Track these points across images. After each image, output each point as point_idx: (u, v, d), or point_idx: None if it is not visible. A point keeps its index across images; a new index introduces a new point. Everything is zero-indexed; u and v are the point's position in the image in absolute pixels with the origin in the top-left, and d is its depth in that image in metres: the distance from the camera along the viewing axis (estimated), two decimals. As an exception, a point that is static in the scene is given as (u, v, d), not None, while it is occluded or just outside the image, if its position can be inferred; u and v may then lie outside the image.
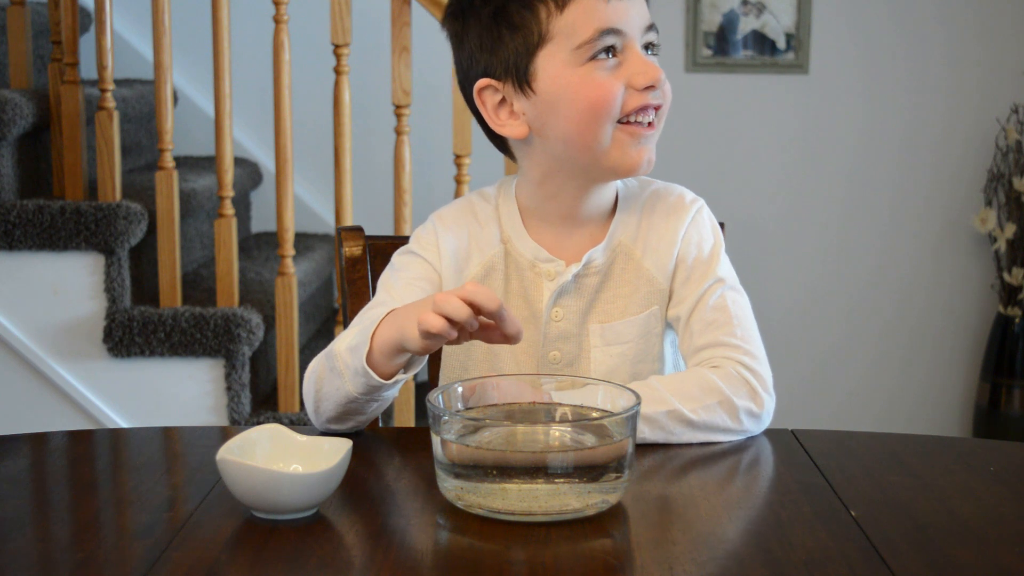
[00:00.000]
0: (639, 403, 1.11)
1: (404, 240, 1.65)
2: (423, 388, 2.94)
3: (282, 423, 1.18)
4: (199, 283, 3.03)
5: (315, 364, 1.32)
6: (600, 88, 1.33)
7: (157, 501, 1.13)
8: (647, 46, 1.37)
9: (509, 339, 1.18)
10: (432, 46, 3.24)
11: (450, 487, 1.10)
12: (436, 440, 1.10)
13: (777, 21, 3.55)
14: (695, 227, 1.43)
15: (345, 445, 1.11)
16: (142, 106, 3.28)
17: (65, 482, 1.23)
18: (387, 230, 3.13)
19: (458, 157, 2.82)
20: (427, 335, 1.16)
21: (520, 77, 1.36)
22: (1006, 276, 3.49)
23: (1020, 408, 3.52)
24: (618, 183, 1.46)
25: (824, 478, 1.19)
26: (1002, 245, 3.49)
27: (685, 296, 1.41)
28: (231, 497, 1.10)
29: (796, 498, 1.15)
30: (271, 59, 2.81)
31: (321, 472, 1.07)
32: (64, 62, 2.84)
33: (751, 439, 1.32)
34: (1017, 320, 3.49)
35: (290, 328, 2.84)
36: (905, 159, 3.62)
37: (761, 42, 3.56)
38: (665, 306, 1.42)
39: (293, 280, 2.84)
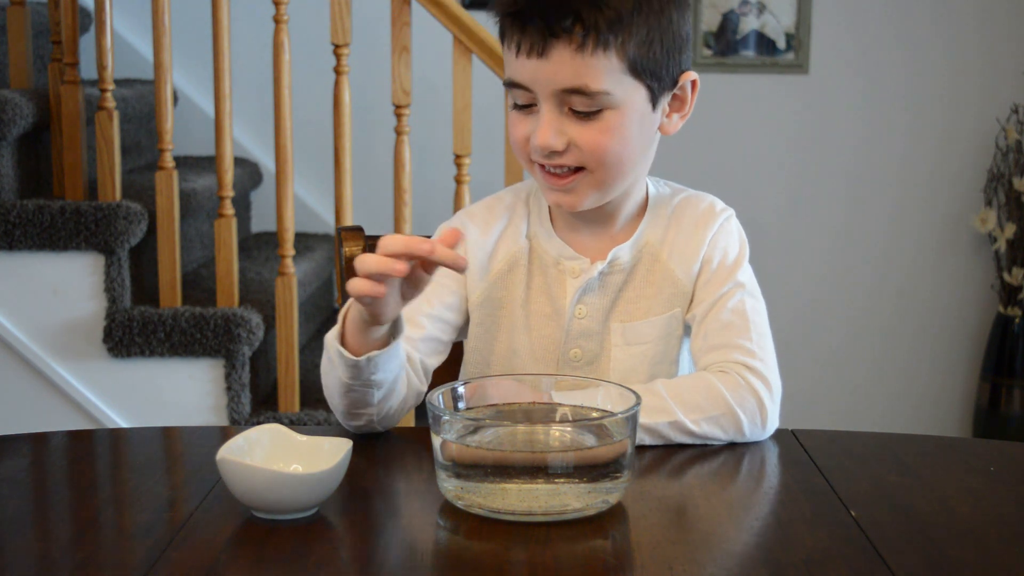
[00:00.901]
0: (639, 403, 1.11)
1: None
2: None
3: (282, 423, 1.18)
4: (199, 283, 3.03)
5: (322, 362, 1.34)
6: (512, 128, 1.37)
7: (157, 501, 1.13)
8: (579, 111, 1.31)
9: (455, 269, 1.16)
10: (432, 46, 3.24)
11: (450, 487, 1.10)
12: (436, 440, 1.10)
13: (777, 21, 3.55)
14: (723, 233, 1.44)
15: (345, 445, 1.11)
16: (142, 106, 3.28)
17: (65, 482, 1.23)
18: (387, 230, 3.13)
19: (458, 157, 2.82)
20: (359, 298, 1.16)
21: None
22: (1006, 276, 3.49)
23: (1020, 408, 3.52)
24: (649, 187, 1.46)
25: (824, 478, 1.19)
26: (1002, 245, 3.49)
27: (704, 297, 1.41)
28: (231, 497, 1.10)
29: (796, 498, 1.15)
30: (271, 59, 2.81)
31: (321, 472, 1.07)
32: (64, 62, 2.84)
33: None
34: (1017, 320, 3.49)
35: (290, 328, 2.84)
36: (905, 159, 3.62)
37: (761, 42, 3.56)
38: (686, 309, 1.42)
39: (293, 280, 2.84)
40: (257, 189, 3.65)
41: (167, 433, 1.40)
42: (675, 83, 1.37)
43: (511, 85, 1.33)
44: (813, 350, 3.70)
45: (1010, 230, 3.46)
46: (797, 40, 3.56)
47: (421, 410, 1.24)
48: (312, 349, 3.19)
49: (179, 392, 2.82)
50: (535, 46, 1.28)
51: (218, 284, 2.83)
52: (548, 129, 1.31)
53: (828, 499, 1.14)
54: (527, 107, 1.34)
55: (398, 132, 2.84)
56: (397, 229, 2.86)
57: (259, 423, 2.76)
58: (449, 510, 1.10)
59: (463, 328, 1.47)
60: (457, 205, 2.82)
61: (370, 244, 1.63)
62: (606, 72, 1.29)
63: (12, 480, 1.20)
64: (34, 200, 2.79)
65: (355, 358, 1.23)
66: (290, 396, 2.84)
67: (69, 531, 1.09)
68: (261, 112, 3.42)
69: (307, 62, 3.30)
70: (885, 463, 1.26)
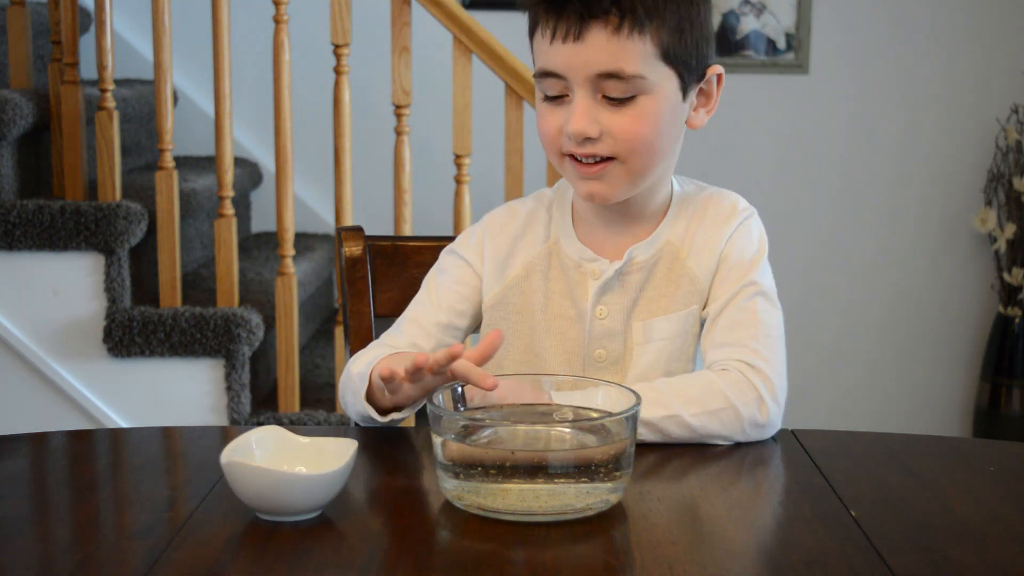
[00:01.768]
0: (639, 403, 1.11)
1: (404, 240, 1.65)
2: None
3: (282, 423, 1.18)
4: (199, 283, 3.03)
5: (343, 375, 1.41)
6: (542, 122, 1.37)
7: (157, 501, 1.13)
8: (613, 97, 1.32)
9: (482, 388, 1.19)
10: (432, 46, 3.25)
11: (450, 487, 1.10)
12: (436, 440, 1.10)
13: (777, 21, 3.56)
14: (742, 232, 1.43)
15: (351, 446, 1.11)
16: (142, 106, 3.28)
17: (65, 482, 1.23)
18: (387, 230, 3.13)
19: (458, 157, 2.82)
20: (379, 378, 1.25)
21: None
22: (1006, 276, 3.49)
23: (1020, 408, 3.52)
24: (675, 185, 1.46)
25: (824, 478, 1.19)
26: (1002, 245, 3.49)
27: (719, 295, 1.40)
28: (231, 497, 1.10)
29: (796, 498, 1.15)
30: (271, 59, 2.81)
31: (330, 473, 1.07)
32: (64, 62, 2.84)
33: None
34: (1017, 320, 3.49)
35: (290, 328, 2.84)
36: (905, 159, 3.62)
37: (761, 42, 3.56)
38: (703, 306, 1.42)
39: (293, 280, 2.84)
40: (257, 189, 3.65)
41: (167, 433, 1.40)
42: (703, 75, 1.38)
43: (544, 75, 1.33)
44: (813, 350, 3.70)
45: (1010, 230, 3.46)
46: (797, 40, 3.56)
47: (421, 410, 1.25)
48: (312, 349, 3.20)
49: (179, 392, 2.82)
50: (571, 30, 1.29)
51: (218, 284, 2.83)
52: (582, 115, 1.31)
53: (828, 499, 1.14)
54: (558, 98, 1.34)
55: (398, 132, 2.84)
56: (397, 229, 2.86)
57: (259, 423, 2.77)
58: (449, 510, 1.10)
59: (477, 332, 1.47)
60: (457, 205, 2.82)
61: (370, 244, 1.63)
62: (641, 56, 1.30)
63: (12, 480, 1.20)
64: (34, 200, 2.79)
65: (379, 418, 1.33)
66: (290, 396, 2.84)
67: (69, 531, 1.09)
68: (261, 112, 3.42)
69: (307, 62, 3.30)
70: (885, 463, 1.26)
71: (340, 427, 1.34)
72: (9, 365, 2.83)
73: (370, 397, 1.34)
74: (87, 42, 3.22)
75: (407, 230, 2.86)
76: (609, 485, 1.09)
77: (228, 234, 2.81)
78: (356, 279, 1.61)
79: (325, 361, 3.12)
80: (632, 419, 1.10)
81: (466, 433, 1.11)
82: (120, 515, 1.13)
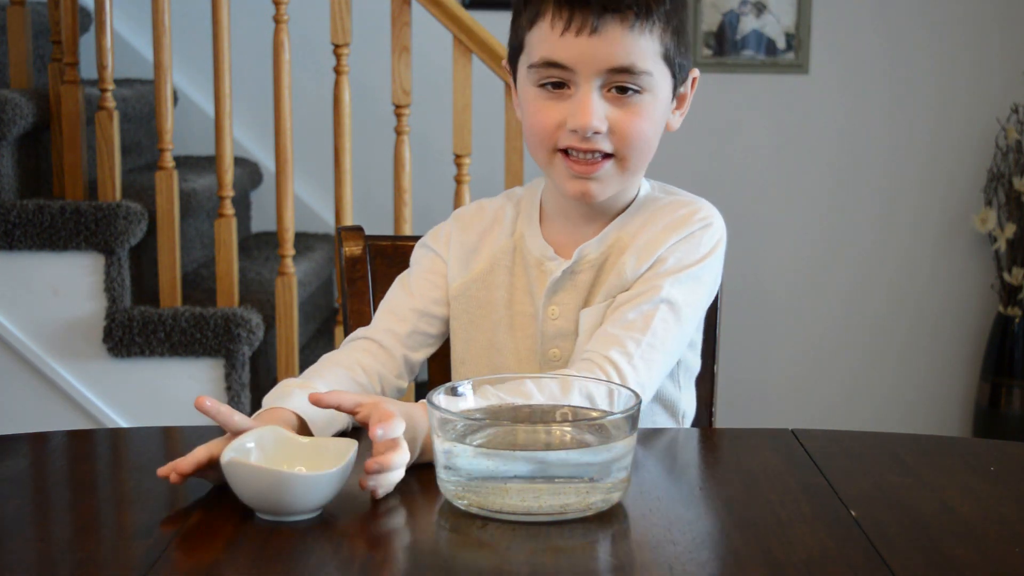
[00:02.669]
0: (639, 403, 1.11)
1: (404, 240, 1.65)
2: (423, 388, 2.93)
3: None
4: (199, 283, 3.03)
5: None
6: (537, 115, 1.34)
7: (157, 501, 1.13)
8: (620, 87, 1.32)
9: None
10: (432, 46, 3.24)
11: (450, 487, 1.10)
12: (436, 440, 1.10)
13: (777, 21, 3.55)
14: (690, 241, 1.38)
15: (351, 446, 1.11)
16: (142, 106, 3.28)
17: (65, 482, 1.23)
18: (387, 230, 3.13)
19: (458, 157, 2.82)
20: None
21: (512, 71, 1.41)
22: (1006, 276, 3.49)
23: (1020, 408, 3.52)
24: (645, 186, 1.45)
25: (824, 478, 1.19)
26: (1002, 245, 3.49)
27: (633, 288, 1.37)
28: (231, 497, 1.10)
29: (796, 498, 1.15)
30: (271, 59, 2.81)
31: (330, 473, 1.07)
32: (64, 62, 2.84)
33: (752, 438, 1.32)
34: (1017, 320, 3.49)
35: (290, 328, 2.84)
36: (904, 159, 3.62)
37: (761, 42, 3.56)
38: None
39: (293, 280, 2.84)
40: (257, 189, 3.65)
41: (167, 433, 1.40)
42: (685, 78, 1.39)
43: (548, 65, 1.32)
44: (812, 350, 3.70)
45: (1010, 230, 3.46)
46: (797, 40, 3.56)
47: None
48: (312, 349, 3.19)
49: (179, 392, 2.82)
50: (588, 22, 1.29)
51: (218, 284, 2.83)
52: (591, 109, 1.31)
53: (828, 499, 1.14)
54: (559, 89, 1.33)
55: (398, 132, 2.84)
56: (397, 229, 2.86)
57: (259, 423, 2.76)
58: (449, 510, 1.10)
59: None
60: (457, 205, 2.82)
61: (370, 244, 1.63)
62: (650, 53, 1.32)
63: (12, 480, 1.20)
64: (34, 200, 2.79)
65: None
66: (290, 396, 2.84)
67: (69, 531, 1.09)
68: (261, 112, 3.42)
69: (307, 62, 3.30)
70: (885, 463, 1.26)
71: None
72: (9, 365, 2.83)
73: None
74: (87, 42, 3.22)
75: (407, 230, 2.85)
76: (609, 485, 1.09)
77: (228, 234, 2.81)
78: (356, 279, 1.61)
79: (325, 361, 3.12)
80: (632, 419, 1.10)
81: (466, 433, 1.11)
82: (120, 515, 1.13)
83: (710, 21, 3.55)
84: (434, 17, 2.79)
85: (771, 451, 1.29)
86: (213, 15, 2.79)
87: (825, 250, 3.67)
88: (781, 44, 3.56)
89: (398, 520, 1.10)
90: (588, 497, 1.08)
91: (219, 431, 1.18)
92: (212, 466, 1.12)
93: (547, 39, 1.32)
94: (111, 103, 2.80)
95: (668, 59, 1.34)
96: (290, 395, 1.25)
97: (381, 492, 1.11)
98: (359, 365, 1.39)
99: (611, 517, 1.09)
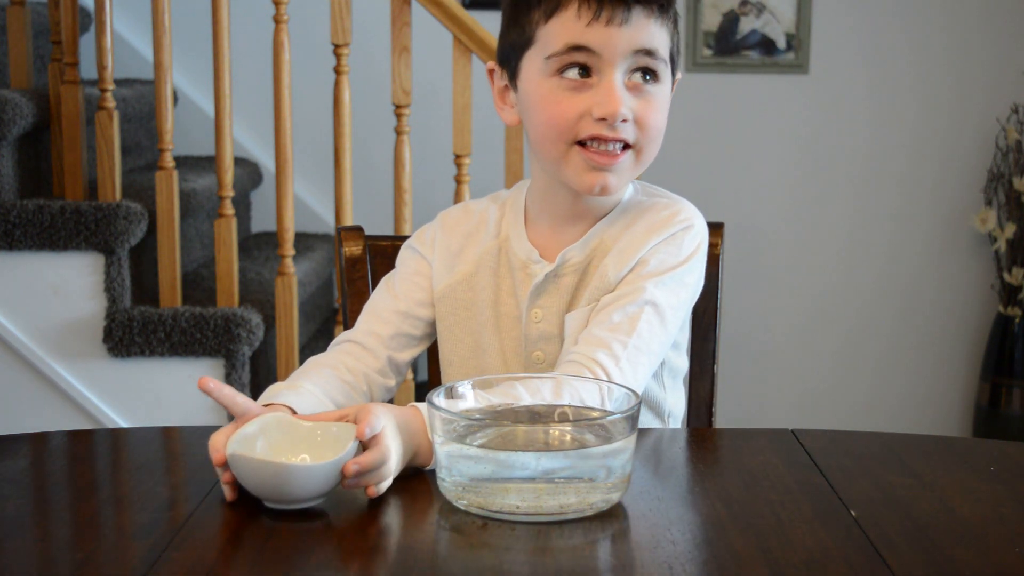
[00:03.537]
0: (639, 403, 1.11)
1: (404, 240, 1.65)
2: (423, 388, 2.94)
3: (282, 423, 1.18)
4: (199, 283, 3.03)
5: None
6: (557, 107, 1.33)
7: (157, 501, 1.13)
8: (644, 71, 1.33)
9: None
10: (432, 46, 3.24)
11: (450, 487, 1.10)
12: (436, 440, 1.10)
13: (777, 21, 3.55)
14: (671, 243, 1.38)
15: (353, 430, 1.11)
16: (142, 106, 3.28)
17: (65, 482, 1.23)
18: (387, 230, 3.13)
19: (458, 157, 2.82)
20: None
21: (511, 71, 1.39)
22: (1006, 276, 3.49)
23: (1020, 408, 3.52)
24: (630, 190, 1.45)
25: (824, 478, 1.19)
26: (1002, 245, 3.49)
27: (617, 291, 1.36)
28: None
29: (796, 498, 1.15)
30: (271, 59, 2.81)
31: (333, 461, 1.08)
32: (64, 62, 2.84)
33: (752, 438, 1.32)
34: (1017, 320, 3.49)
35: (290, 328, 2.84)
36: (905, 159, 3.62)
37: (761, 42, 3.56)
38: None
39: (293, 280, 2.84)
40: (257, 189, 3.65)
41: (167, 433, 1.40)
42: (674, 82, 1.41)
43: (573, 50, 1.31)
44: (813, 350, 3.70)
45: (1010, 230, 3.46)
46: (797, 40, 3.56)
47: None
48: (312, 349, 3.19)
49: (179, 392, 2.82)
50: (618, 11, 1.30)
51: (218, 284, 2.83)
52: (619, 96, 1.31)
53: (828, 499, 1.14)
54: (581, 78, 1.32)
55: (398, 132, 2.84)
56: (397, 229, 2.86)
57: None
58: (449, 510, 1.10)
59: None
60: (457, 205, 2.82)
61: (370, 244, 1.63)
62: (665, 45, 1.35)
63: (12, 480, 1.20)
64: (34, 200, 2.79)
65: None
66: (290, 396, 2.84)
67: (69, 531, 1.09)
68: (261, 112, 3.42)
69: (307, 62, 3.30)
70: (885, 463, 1.26)
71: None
72: (9, 365, 2.83)
73: None
74: (87, 42, 3.22)
75: (407, 230, 2.85)
76: (609, 485, 1.09)
77: (228, 234, 2.81)
78: (356, 279, 1.61)
79: (325, 361, 3.12)
80: (632, 419, 1.10)
81: (466, 433, 1.11)
82: (120, 515, 1.13)
83: (710, 21, 3.55)
84: (434, 17, 2.79)
85: (771, 451, 1.29)
86: (213, 15, 2.79)
87: (823, 250, 3.67)
88: (781, 44, 3.56)
89: (398, 520, 1.10)
90: (588, 497, 1.08)
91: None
92: None
93: (571, 27, 1.31)
94: (111, 103, 2.81)
95: (672, 58, 1.36)
96: (278, 395, 1.26)
97: (374, 491, 1.11)
98: (344, 365, 1.40)
99: (611, 517, 1.09)
